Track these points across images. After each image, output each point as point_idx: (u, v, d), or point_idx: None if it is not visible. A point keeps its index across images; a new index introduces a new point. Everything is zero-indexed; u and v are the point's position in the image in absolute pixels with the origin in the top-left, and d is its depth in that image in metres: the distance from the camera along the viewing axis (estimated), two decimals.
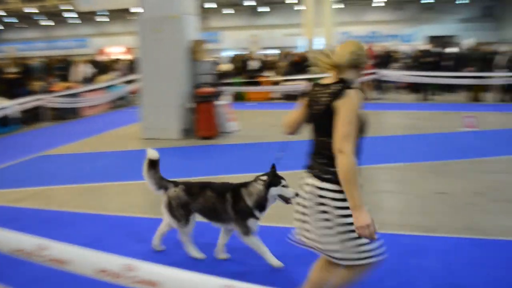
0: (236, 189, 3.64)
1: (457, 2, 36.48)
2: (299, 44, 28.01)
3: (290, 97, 15.57)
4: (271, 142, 8.72)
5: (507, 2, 37.85)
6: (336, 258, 2.50)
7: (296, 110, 2.75)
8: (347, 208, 2.37)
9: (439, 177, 6.24)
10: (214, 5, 34.38)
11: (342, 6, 33.30)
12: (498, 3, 38.24)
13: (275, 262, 3.61)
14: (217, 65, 15.39)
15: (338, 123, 2.35)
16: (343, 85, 2.44)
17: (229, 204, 3.62)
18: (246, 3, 35.82)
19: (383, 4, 35.78)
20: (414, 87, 15.67)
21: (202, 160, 7.68)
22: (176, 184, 3.89)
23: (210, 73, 10.08)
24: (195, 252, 3.88)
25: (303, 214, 2.58)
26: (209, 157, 7.95)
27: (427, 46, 19.44)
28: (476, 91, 14.27)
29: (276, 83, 15.95)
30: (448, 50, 18.07)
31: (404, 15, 37.00)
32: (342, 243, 2.46)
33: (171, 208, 3.81)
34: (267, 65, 17.21)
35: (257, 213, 3.56)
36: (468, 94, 14.54)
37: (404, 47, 22.77)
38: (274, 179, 3.48)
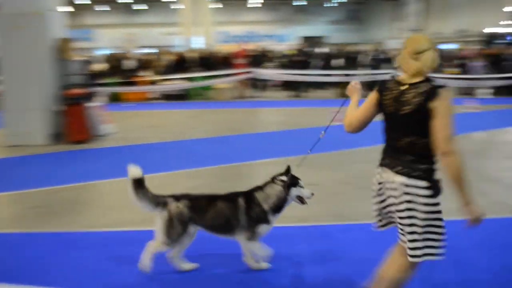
0: (249, 194, 3.46)
1: (326, 5, 38.92)
2: (177, 43, 27.77)
3: (169, 97, 15.33)
4: (149, 143, 8.48)
5: (370, 6, 41.23)
6: (415, 256, 2.51)
7: (358, 107, 2.74)
8: (435, 204, 2.48)
9: (311, 169, 6.54)
10: (87, 1, 32.58)
11: (219, 6, 33.65)
12: (363, 7, 41.50)
13: (264, 265, 3.56)
14: (90, 65, 14.58)
15: (439, 124, 2.39)
16: (434, 84, 2.45)
17: (242, 211, 3.40)
18: (121, 0, 34.52)
19: (259, 5, 36.86)
20: (287, 85, 16.40)
21: (73, 166, 7.20)
22: (177, 198, 3.45)
23: (81, 73, 9.49)
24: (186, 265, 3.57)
25: (384, 209, 2.66)
26: (80, 162, 7.47)
27: (299, 46, 20.47)
28: (342, 88, 15.38)
29: (153, 82, 15.59)
30: (318, 50, 19.20)
31: (278, 16, 38.52)
32: (423, 240, 2.49)
33: (171, 225, 3.36)
34: (144, 64, 16.75)
35: (271, 217, 3.42)
36: (336, 91, 15.60)
37: (278, 47, 23.71)
38: (293, 179, 3.43)
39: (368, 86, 15.54)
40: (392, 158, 2.58)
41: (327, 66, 15.86)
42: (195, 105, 14.41)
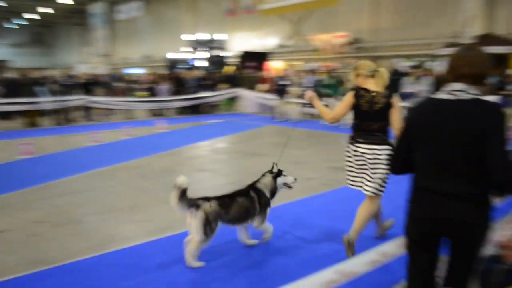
0: (254, 187, 4.34)
1: (7, 26, 35.17)
2: None
3: None
4: None
5: (57, 30, 39.24)
6: (378, 190, 4.11)
7: (340, 106, 4.19)
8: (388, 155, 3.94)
9: None
10: None
11: None
12: (48, 30, 39.21)
13: (267, 235, 4.55)
14: None
15: (396, 114, 4.02)
16: (390, 91, 4.08)
17: (255, 201, 4.26)
18: None
19: None
20: None
21: None
22: (207, 199, 4.05)
23: None
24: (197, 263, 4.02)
25: (360, 169, 4.16)
26: None
27: None
28: (32, 116, 14.09)
29: None
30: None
31: None
32: (383, 182, 4.13)
33: (208, 223, 3.93)
34: None
35: (271, 201, 4.40)
36: (25, 120, 14.18)
37: None
38: (278, 172, 4.50)
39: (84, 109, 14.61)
40: (366, 136, 4.10)
41: (12, 93, 14.24)
42: None
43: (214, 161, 9.00)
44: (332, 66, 22.33)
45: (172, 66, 26.53)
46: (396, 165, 2.58)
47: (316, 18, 25.59)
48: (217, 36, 27.39)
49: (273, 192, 4.45)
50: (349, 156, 4.24)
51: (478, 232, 2.30)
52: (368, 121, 4.10)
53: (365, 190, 4.17)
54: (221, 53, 26.80)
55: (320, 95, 15.60)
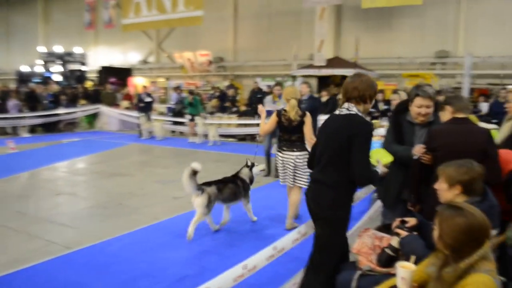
0: (238, 177, 5.78)
1: None
2: None
3: None
4: None
5: None
6: (304, 184, 5.54)
7: (269, 123, 5.72)
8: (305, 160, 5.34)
9: None
10: None
11: None
12: None
13: (253, 217, 6.01)
14: None
15: (307, 128, 5.59)
16: (303, 111, 5.71)
17: (241, 186, 5.71)
18: None
19: None
20: None
21: None
22: (208, 184, 5.43)
23: None
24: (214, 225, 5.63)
25: (289, 169, 5.62)
26: None
27: None
28: None
29: None
30: None
31: None
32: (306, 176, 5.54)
33: (210, 202, 5.29)
34: None
35: (250, 186, 5.88)
36: None
37: None
38: (252, 164, 5.90)
39: None
40: (288, 145, 5.59)
41: None
42: None
43: (73, 183, 8.43)
44: (195, 84, 22.56)
45: (24, 80, 24.34)
46: (311, 163, 3.33)
47: (179, 35, 25.68)
48: (76, 50, 25.89)
49: (251, 180, 5.88)
50: (280, 160, 5.70)
51: (327, 211, 3.04)
52: (288, 133, 5.63)
53: (294, 183, 5.62)
54: (81, 68, 25.37)
55: (182, 113, 15.69)
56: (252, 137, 14.91)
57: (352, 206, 3.11)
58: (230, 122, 15.27)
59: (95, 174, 9.27)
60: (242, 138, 15.16)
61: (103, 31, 27.21)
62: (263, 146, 8.92)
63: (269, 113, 8.26)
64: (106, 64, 25.64)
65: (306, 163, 4.82)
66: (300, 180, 5.63)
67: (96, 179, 8.79)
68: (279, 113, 5.65)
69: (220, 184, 5.54)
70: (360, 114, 2.98)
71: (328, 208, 3.00)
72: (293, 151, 5.58)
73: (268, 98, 9.09)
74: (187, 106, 14.88)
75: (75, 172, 9.63)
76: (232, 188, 5.64)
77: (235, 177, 5.80)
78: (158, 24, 21.70)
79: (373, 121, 12.24)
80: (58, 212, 6.41)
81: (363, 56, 18.64)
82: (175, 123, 16.62)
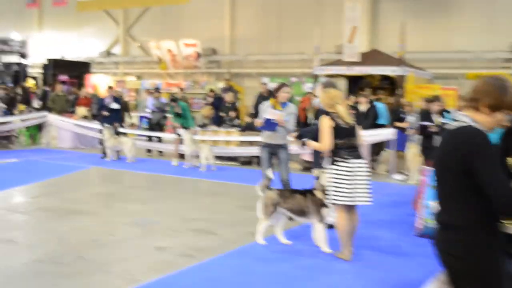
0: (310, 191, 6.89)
1: None
2: None
3: None
4: None
5: None
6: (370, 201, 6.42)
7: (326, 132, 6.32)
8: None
9: None
10: None
11: None
12: None
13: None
14: None
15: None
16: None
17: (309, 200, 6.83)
18: None
19: None
20: None
21: None
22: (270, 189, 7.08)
23: None
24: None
25: (360, 181, 6.26)
26: None
27: None
28: None
29: None
30: None
31: None
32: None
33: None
34: None
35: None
36: None
37: None
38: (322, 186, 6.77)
39: None
40: (352, 152, 6.32)
41: None
42: None
43: (10, 225, 8.15)
44: (178, 85, 22.36)
45: None
46: None
47: (156, 19, 25.67)
48: (13, 36, 25.78)
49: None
50: (341, 173, 6.22)
51: None
52: (350, 139, 6.36)
53: (362, 201, 6.32)
54: (20, 60, 25.24)
55: (161, 126, 15.42)
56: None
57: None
58: (230, 139, 15.09)
59: (41, 211, 8.98)
60: (247, 161, 15.02)
61: (51, 10, 27.24)
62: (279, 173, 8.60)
63: (268, 124, 8.15)
64: (55, 56, 25.52)
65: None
66: (369, 193, 6.39)
67: (43, 219, 8.52)
68: (332, 117, 6.37)
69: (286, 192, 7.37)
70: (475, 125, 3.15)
71: (462, 259, 3.10)
72: (361, 158, 6.38)
73: (268, 104, 8.66)
74: (172, 116, 14.56)
75: (12, 208, 9.39)
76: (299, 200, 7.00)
77: (305, 192, 7.02)
78: (126, 2, 21.66)
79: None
80: None
81: (411, 49, 18.46)
82: (151, 139, 16.34)
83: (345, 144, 6.34)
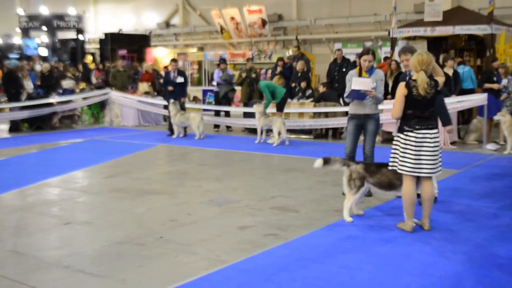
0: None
1: None
2: None
3: None
4: None
5: None
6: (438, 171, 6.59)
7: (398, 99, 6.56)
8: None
9: None
10: None
11: None
12: None
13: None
14: None
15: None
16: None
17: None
18: None
19: None
20: None
21: None
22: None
23: None
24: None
25: (426, 153, 6.42)
26: None
27: None
28: None
29: None
30: None
31: None
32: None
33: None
34: None
35: None
36: None
37: None
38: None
39: None
40: (422, 122, 6.48)
41: None
42: None
43: (87, 207, 8.44)
44: (244, 55, 22.37)
45: None
46: None
47: None
48: (70, 11, 26.38)
49: None
50: (407, 143, 6.47)
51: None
52: (421, 109, 6.49)
53: (426, 173, 6.47)
54: (77, 36, 25.83)
55: (229, 99, 15.51)
56: (335, 133, 14.65)
57: None
58: (303, 111, 15.03)
59: (115, 192, 9.19)
60: (321, 134, 14.98)
61: None
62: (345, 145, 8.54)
63: (356, 94, 8.13)
64: (112, 30, 25.93)
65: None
66: (439, 167, 6.60)
67: (118, 200, 8.71)
68: (409, 85, 6.51)
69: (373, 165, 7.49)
70: None
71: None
72: (430, 128, 6.48)
73: (353, 73, 8.54)
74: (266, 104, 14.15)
75: (85, 189, 9.65)
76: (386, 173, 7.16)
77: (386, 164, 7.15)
78: None
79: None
80: (71, 252, 6.25)
81: (501, 4, 17.81)
82: (218, 113, 16.50)
83: (414, 115, 6.51)
